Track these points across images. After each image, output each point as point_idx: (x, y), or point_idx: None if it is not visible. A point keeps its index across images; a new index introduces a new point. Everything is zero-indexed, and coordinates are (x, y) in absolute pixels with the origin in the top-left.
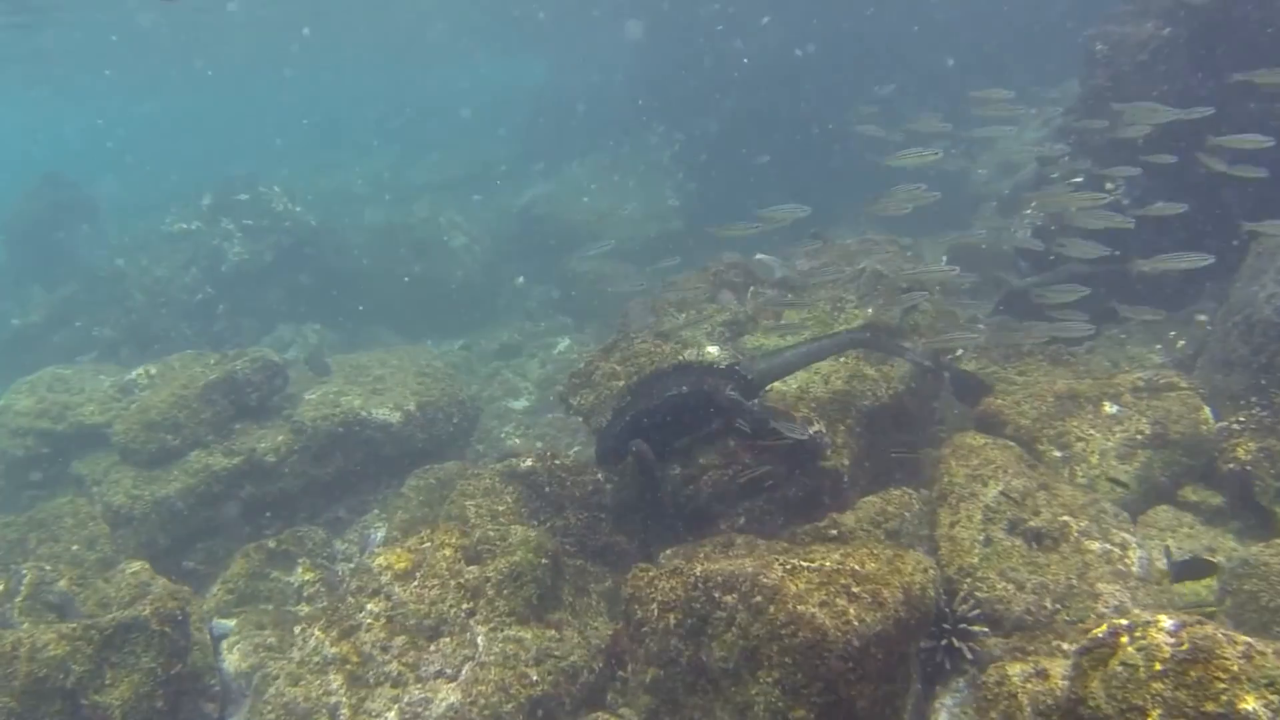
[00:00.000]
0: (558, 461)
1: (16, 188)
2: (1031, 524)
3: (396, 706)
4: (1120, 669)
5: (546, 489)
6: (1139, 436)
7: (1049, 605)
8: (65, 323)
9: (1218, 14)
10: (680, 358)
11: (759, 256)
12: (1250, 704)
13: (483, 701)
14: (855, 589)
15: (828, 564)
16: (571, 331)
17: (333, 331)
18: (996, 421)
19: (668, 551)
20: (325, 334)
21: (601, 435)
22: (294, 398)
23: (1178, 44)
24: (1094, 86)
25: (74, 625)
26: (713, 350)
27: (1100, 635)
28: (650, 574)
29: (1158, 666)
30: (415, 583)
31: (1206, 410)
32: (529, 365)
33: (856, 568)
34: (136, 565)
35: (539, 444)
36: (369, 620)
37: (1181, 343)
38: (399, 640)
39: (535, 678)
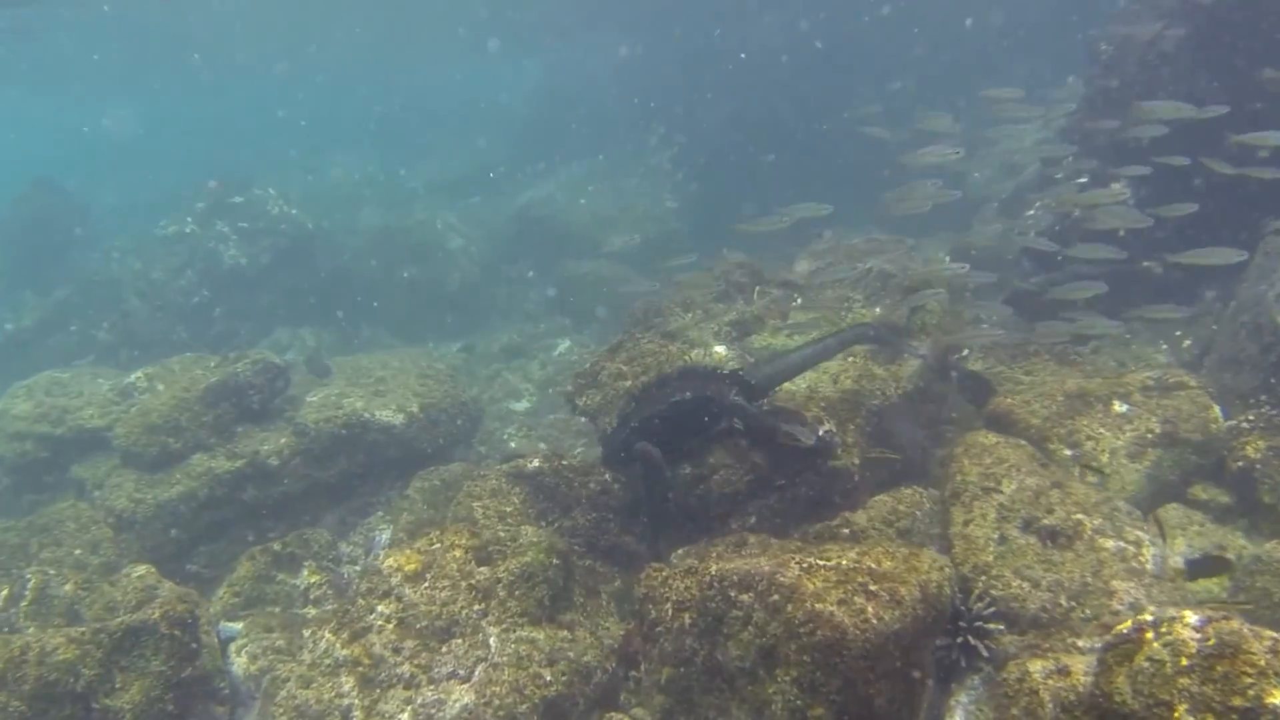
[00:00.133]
0: (564, 462)
1: (6, 192)
2: (1045, 522)
3: (410, 708)
4: (1146, 664)
5: (554, 489)
6: (1149, 435)
7: (1064, 603)
8: (59, 327)
9: (1225, 13)
10: (686, 358)
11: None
12: (1279, 698)
13: (497, 702)
14: (873, 587)
15: (844, 562)
16: (571, 333)
17: (330, 334)
18: (1007, 420)
19: (680, 551)
20: (322, 336)
21: (607, 441)
22: (295, 400)
23: (1184, 43)
24: (1099, 86)
25: (83, 629)
26: (720, 350)
27: (1125, 631)
28: (664, 573)
29: (1184, 661)
30: (426, 584)
31: (1216, 409)
32: (529, 367)
33: (873, 566)
34: (142, 569)
35: (541, 445)
36: (380, 622)
37: (1187, 342)
38: (411, 642)
39: (549, 678)
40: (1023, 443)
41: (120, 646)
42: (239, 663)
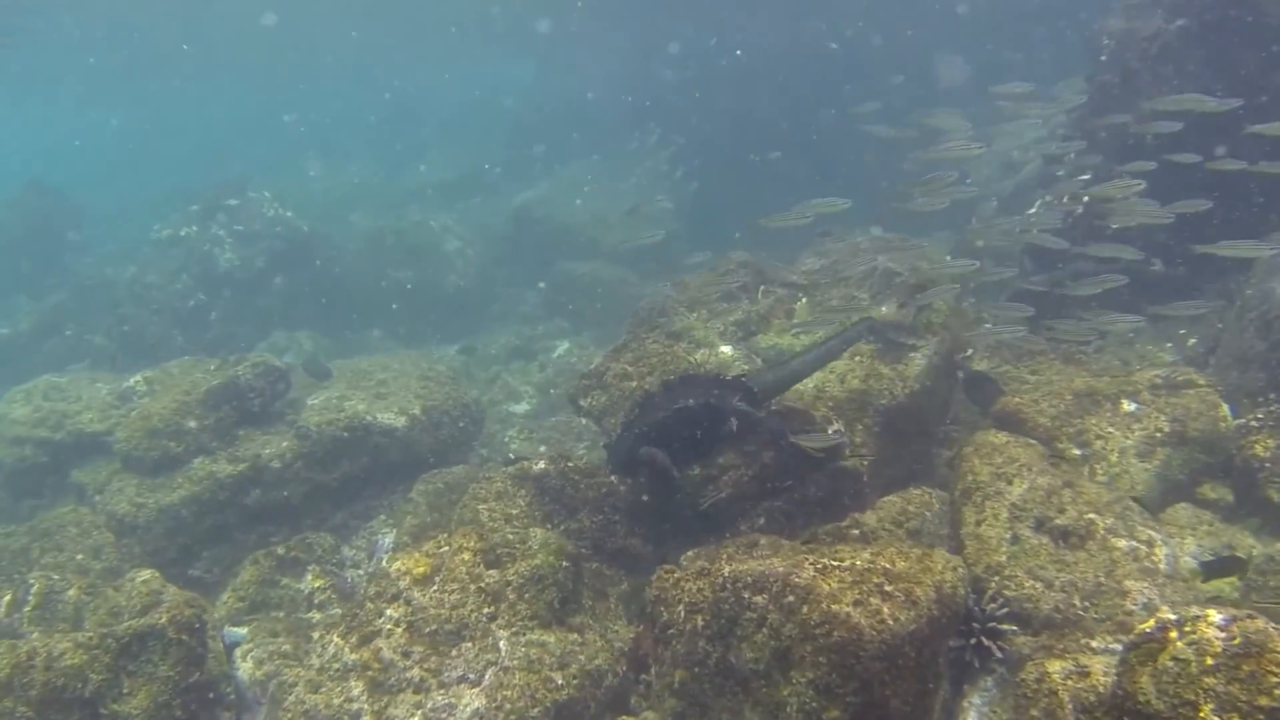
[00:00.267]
0: (570, 464)
1: (0, 195)
2: (1058, 522)
3: (420, 712)
4: (1171, 664)
5: (559, 492)
6: (1158, 434)
7: (1078, 603)
8: (54, 331)
9: (1229, 6)
10: (691, 359)
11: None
12: None
13: (509, 707)
14: (888, 588)
15: (858, 563)
16: (570, 335)
17: (326, 337)
18: (1015, 420)
19: (690, 553)
20: (319, 340)
21: (612, 449)
22: (297, 403)
23: (1188, 38)
24: (1101, 82)
25: (90, 634)
26: (726, 350)
27: (1148, 630)
28: (676, 575)
29: (1209, 661)
30: (435, 587)
31: (1225, 407)
32: (529, 368)
33: (888, 566)
34: (146, 573)
35: (543, 447)
36: (389, 626)
37: (1192, 340)
38: (420, 646)
39: (560, 682)
40: (1033, 442)
41: (128, 651)
42: (244, 668)
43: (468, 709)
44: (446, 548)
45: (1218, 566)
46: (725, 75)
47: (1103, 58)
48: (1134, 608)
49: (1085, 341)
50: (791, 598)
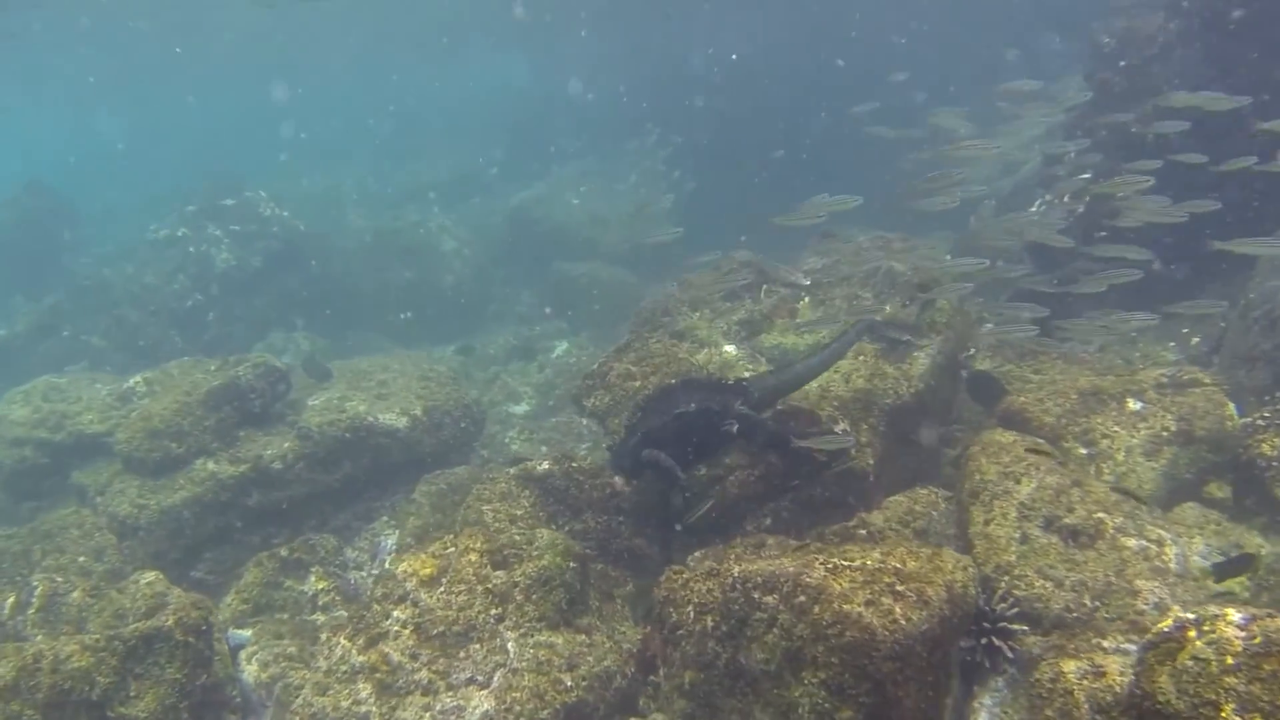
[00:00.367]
0: (574, 464)
1: None
2: (1067, 521)
3: (429, 715)
4: (1190, 663)
5: (564, 492)
6: (1164, 433)
7: (1088, 603)
8: (52, 332)
9: (1229, 5)
10: (693, 360)
11: None
12: None
13: (518, 709)
14: (900, 587)
15: (869, 563)
16: (568, 335)
17: (324, 337)
18: (1020, 419)
19: (697, 554)
20: (316, 340)
21: (615, 452)
22: (297, 404)
23: (1189, 36)
24: (1101, 81)
25: (97, 636)
26: (730, 350)
27: (1166, 629)
28: (684, 576)
29: (1229, 660)
30: (442, 589)
31: (1231, 406)
32: (528, 369)
33: (899, 566)
34: (150, 575)
35: (544, 448)
36: (396, 628)
37: (1196, 339)
38: (428, 648)
39: (569, 683)
40: (1040, 441)
41: (134, 654)
42: (250, 670)
43: (477, 711)
44: (453, 549)
45: (1230, 567)
46: (725, 75)
47: (1103, 57)
48: (1145, 607)
49: (1088, 341)
50: (803, 598)
